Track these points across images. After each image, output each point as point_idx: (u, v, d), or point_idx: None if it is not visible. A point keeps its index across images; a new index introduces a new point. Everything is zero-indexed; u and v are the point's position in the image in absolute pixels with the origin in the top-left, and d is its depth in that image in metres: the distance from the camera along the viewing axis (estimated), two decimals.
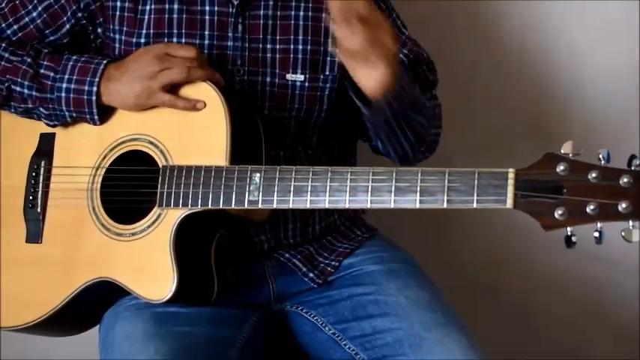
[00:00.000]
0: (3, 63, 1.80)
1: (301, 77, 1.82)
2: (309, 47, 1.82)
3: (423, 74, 1.92)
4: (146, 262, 1.69)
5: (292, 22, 1.82)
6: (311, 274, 1.85)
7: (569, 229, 1.45)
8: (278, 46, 1.81)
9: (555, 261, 2.36)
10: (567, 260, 2.27)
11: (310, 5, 1.83)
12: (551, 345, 2.46)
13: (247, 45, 1.80)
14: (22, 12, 1.84)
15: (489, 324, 2.38)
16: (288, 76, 1.82)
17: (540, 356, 2.45)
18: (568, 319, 2.45)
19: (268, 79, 1.81)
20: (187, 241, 1.69)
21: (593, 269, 2.37)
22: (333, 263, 1.87)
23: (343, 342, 1.79)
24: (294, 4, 1.82)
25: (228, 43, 1.80)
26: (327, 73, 1.84)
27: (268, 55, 1.81)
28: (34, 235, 1.82)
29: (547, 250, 2.24)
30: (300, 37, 1.82)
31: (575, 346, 2.46)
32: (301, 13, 1.83)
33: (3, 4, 1.85)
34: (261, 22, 1.81)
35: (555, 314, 2.45)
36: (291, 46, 1.82)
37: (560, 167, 1.44)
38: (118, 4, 1.81)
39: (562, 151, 1.45)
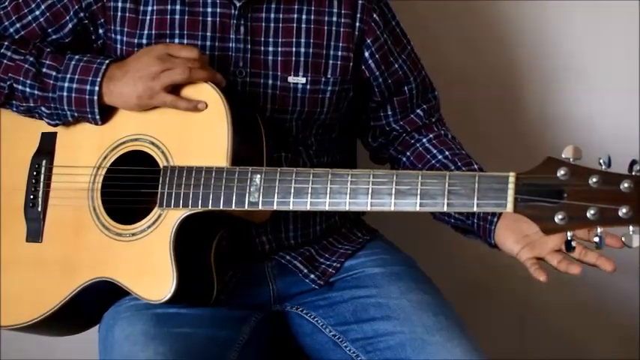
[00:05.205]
0: (5, 61, 1.79)
1: (303, 80, 1.82)
2: (311, 50, 1.82)
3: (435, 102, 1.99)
4: (146, 263, 1.69)
5: (294, 24, 1.82)
6: (312, 276, 1.85)
7: (569, 233, 1.46)
8: (280, 49, 1.81)
9: None
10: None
11: (312, 8, 1.82)
12: (551, 345, 2.46)
13: (249, 47, 1.80)
14: (25, 10, 1.83)
15: (489, 324, 2.38)
16: (290, 79, 1.81)
17: (540, 356, 2.45)
18: (568, 319, 2.45)
19: (270, 82, 1.81)
20: (187, 242, 1.69)
21: (593, 269, 2.37)
22: (334, 264, 1.87)
23: (344, 344, 1.79)
24: (296, 6, 1.82)
25: (230, 45, 1.80)
26: (329, 75, 1.83)
27: (270, 57, 1.81)
28: (35, 234, 1.81)
29: None
30: (302, 40, 1.82)
31: (575, 346, 2.46)
32: (303, 16, 1.82)
33: (6, 3, 1.85)
34: (263, 24, 1.81)
35: (555, 314, 2.45)
36: (293, 49, 1.81)
37: (561, 172, 1.44)
38: (120, 4, 1.80)
39: (563, 156, 1.45)
